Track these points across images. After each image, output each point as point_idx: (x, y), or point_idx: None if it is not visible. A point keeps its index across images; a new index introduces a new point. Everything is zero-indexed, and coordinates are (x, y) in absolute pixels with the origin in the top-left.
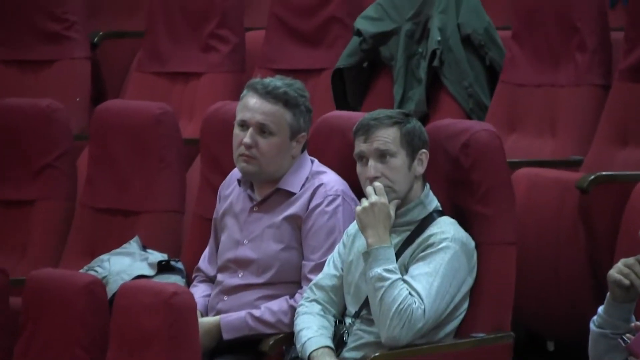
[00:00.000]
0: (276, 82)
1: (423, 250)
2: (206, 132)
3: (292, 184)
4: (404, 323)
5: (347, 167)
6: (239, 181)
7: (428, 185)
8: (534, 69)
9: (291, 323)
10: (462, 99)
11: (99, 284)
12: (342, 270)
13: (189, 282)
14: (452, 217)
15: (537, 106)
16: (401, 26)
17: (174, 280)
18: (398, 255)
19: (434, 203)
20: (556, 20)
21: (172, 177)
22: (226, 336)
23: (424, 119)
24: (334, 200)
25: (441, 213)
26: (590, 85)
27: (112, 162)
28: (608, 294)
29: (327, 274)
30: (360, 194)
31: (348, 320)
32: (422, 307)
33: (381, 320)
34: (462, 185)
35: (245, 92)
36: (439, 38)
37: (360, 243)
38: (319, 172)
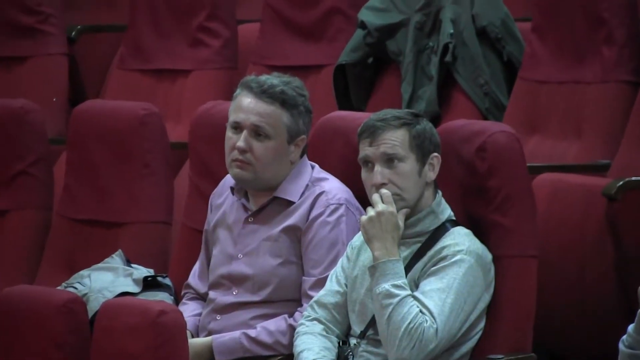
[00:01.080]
0: (272, 80)
1: (435, 264)
2: (195, 135)
3: (291, 192)
4: (414, 344)
5: (351, 173)
6: (232, 189)
7: (440, 193)
8: (556, 64)
9: (290, 344)
10: (477, 97)
11: (79, 302)
12: (346, 286)
13: (177, 300)
14: (467, 227)
15: (560, 105)
16: (410, 18)
17: (161, 297)
18: (407, 269)
19: (446, 212)
20: (581, 11)
21: (158, 185)
22: (219, 358)
23: (436, 120)
24: (336, 209)
25: (455, 223)
26: (619, 82)
27: (92, 168)
28: (639, 311)
29: (330, 291)
30: (365, 202)
31: (353, 341)
32: (434, 326)
33: (389, 341)
34: (477, 193)
35: (238, 91)
36: (452, 31)
37: (366, 256)
38: (320, 179)
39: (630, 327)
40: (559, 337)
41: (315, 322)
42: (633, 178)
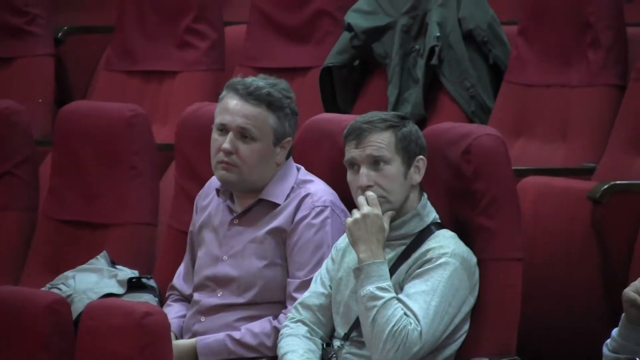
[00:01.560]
0: (259, 82)
1: (420, 267)
2: (182, 136)
3: (276, 194)
4: (398, 346)
5: (336, 175)
6: (217, 191)
7: (426, 195)
8: (542, 67)
9: (274, 346)
10: (463, 100)
11: (63, 303)
12: (331, 288)
13: (162, 301)
14: (452, 230)
15: (546, 108)
16: (396, 20)
17: (146, 299)
18: (392, 271)
19: (432, 215)
20: (567, 14)
21: (144, 186)
22: None
23: (422, 123)
24: (322, 211)
25: (440, 226)
26: (605, 85)
27: (78, 169)
28: (623, 315)
29: (314, 292)
30: (351, 204)
31: (337, 343)
32: (419, 328)
33: (373, 343)
34: (463, 196)
35: (224, 92)
36: (438, 34)
37: (351, 258)
38: (306, 181)
39: (615, 331)
40: (543, 340)
41: (299, 323)
42: (618, 182)
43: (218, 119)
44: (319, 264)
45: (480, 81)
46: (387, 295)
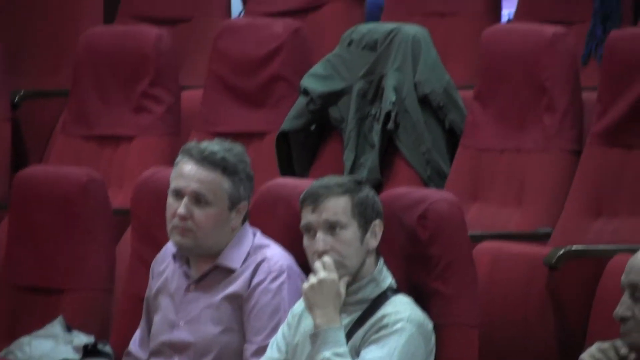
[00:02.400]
0: (214, 146)
1: (376, 332)
2: (138, 201)
3: (232, 259)
4: None
5: (293, 239)
6: (173, 256)
7: (382, 260)
8: (498, 132)
9: None
10: (419, 165)
11: None
12: (287, 353)
13: None
14: (409, 295)
15: (501, 173)
16: (352, 85)
17: None
18: (349, 337)
19: (388, 280)
20: (523, 79)
21: (101, 252)
22: None
23: (378, 187)
24: (278, 276)
25: (396, 291)
26: (560, 150)
27: (34, 234)
28: None
29: (270, 358)
30: (307, 269)
31: None
32: None
33: None
34: (419, 261)
35: (180, 157)
36: (394, 98)
37: (307, 323)
38: (262, 246)
39: None
40: None
41: None
42: (574, 247)
43: (173, 184)
44: (275, 329)
45: (436, 146)
46: None
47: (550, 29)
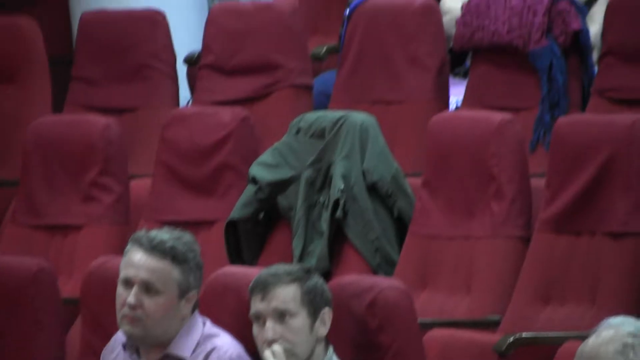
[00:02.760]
0: (163, 235)
1: None
2: (87, 290)
3: (182, 348)
4: None
5: (242, 328)
6: (123, 345)
7: (332, 348)
8: (446, 219)
9: None
10: (368, 253)
11: None
12: None
13: None
14: None
15: (450, 260)
16: (301, 173)
17: None
18: None
19: None
20: (471, 166)
21: (50, 342)
22: None
23: (327, 275)
24: None
25: None
26: (509, 237)
27: None
28: None
29: None
30: (258, 358)
31: None
32: None
33: None
34: (368, 349)
35: (129, 246)
36: (342, 186)
37: None
38: (212, 335)
39: None
40: None
41: None
42: (524, 334)
43: (123, 273)
44: None
45: (384, 234)
46: None
47: (497, 116)
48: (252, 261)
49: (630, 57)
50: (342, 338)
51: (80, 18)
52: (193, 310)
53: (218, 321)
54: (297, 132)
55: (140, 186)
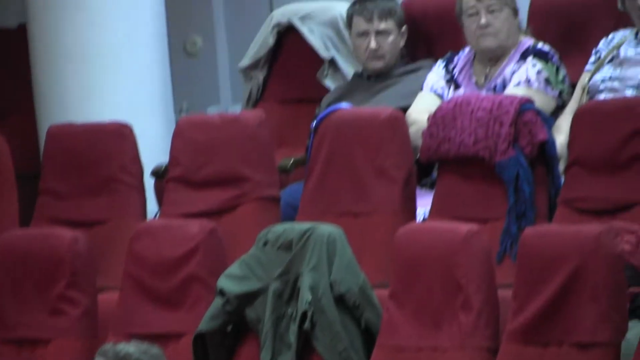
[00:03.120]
0: (129, 348)
1: None
2: None
3: None
4: None
5: None
6: None
7: None
8: (414, 330)
9: None
10: None
11: None
12: None
13: None
14: None
15: None
16: (268, 285)
17: None
18: None
19: None
20: (438, 277)
21: None
22: None
23: None
24: None
25: None
26: (477, 348)
27: None
28: None
29: None
30: None
31: None
32: None
33: None
34: None
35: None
36: (310, 298)
37: None
38: None
39: None
40: None
41: None
42: None
43: None
44: None
45: (352, 345)
46: None
47: (464, 227)
48: None
49: (596, 167)
50: None
51: (47, 131)
52: None
53: None
54: (265, 244)
55: (109, 299)
